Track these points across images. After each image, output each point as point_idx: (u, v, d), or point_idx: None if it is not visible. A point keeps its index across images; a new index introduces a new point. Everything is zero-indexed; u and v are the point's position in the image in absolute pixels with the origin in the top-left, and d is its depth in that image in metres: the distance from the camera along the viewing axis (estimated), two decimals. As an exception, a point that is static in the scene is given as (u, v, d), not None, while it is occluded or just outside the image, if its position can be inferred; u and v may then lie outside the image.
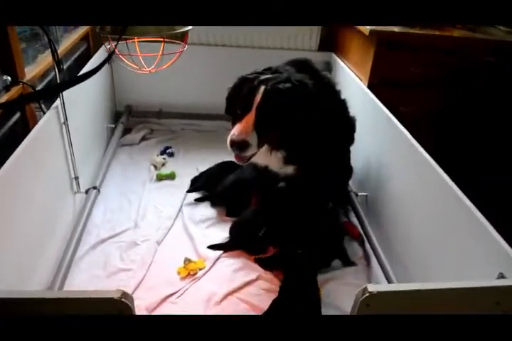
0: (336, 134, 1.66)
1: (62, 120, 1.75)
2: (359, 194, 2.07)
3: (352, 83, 2.23)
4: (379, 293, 0.87)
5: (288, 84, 1.45)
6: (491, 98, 2.25)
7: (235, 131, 1.42)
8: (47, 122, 1.62)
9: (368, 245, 1.88)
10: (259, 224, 1.86)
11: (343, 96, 1.78)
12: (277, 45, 2.69)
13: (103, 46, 2.41)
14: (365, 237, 1.92)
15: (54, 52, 1.61)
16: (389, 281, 1.68)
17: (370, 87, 2.13)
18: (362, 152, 2.07)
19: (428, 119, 2.23)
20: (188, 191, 2.19)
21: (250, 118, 1.41)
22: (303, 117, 1.46)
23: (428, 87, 2.21)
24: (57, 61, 1.63)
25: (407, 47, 2.12)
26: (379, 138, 1.95)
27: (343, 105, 1.70)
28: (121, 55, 1.48)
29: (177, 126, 2.81)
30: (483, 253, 1.22)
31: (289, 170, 1.68)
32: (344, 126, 1.72)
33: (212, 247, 1.84)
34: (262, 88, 1.42)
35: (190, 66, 2.65)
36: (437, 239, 1.47)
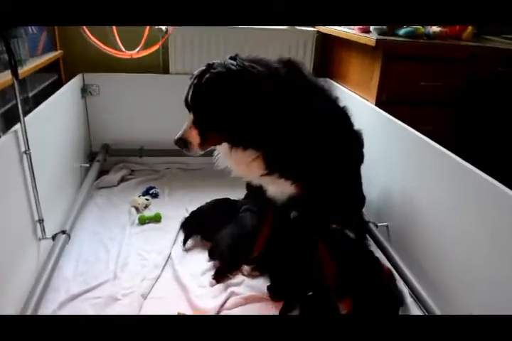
0: (338, 146, 1.44)
1: (23, 148, 1.44)
2: (379, 225, 1.82)
3: (358, 104, 1.98)
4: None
5: (219, 70, 1.27)
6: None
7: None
8: (2, 149, 1.33)
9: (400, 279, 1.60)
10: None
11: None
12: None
13: (77, 76, 2.19)
14: (395, 271, 1.63)
15: (13, 66, 1.34)
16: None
17: (378, 106, 1.90)
18: (377, 179, 1.82)
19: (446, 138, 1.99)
20: (184, 241, 1.83)
21: (190, 116, 1.35)
22: (251, 106, 1.26)
23: (441, 103, 2.00)
24: (16, 75, 1.36)
25: (415, 58, 1.94)
26: (400, 160, 1.72)
27: (344, 113, 1.48)
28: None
29: (160, 165, 2.52)
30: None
31: (286, 188, 1.45)
32: (347, 138, 1.50)
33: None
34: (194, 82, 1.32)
35: (171, 98, 2.38)
36: (484, 264, 1.25)
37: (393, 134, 1.74)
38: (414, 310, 1.47)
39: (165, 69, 2.48)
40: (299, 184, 1.43)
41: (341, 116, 1.48)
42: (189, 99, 1.32)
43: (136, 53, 1.33)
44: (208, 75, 1.27)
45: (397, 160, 1.74)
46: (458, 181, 1.37)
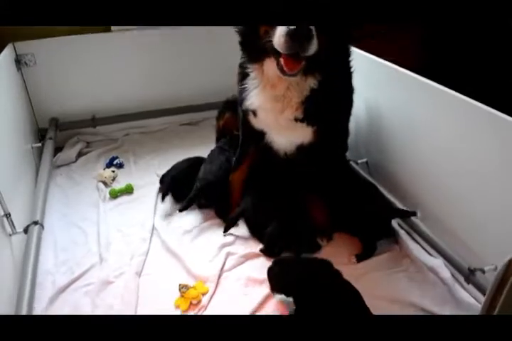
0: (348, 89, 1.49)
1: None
2: (359, 161, 1.81)
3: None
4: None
5: None
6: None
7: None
8: None
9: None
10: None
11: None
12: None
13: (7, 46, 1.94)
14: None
15: None
16: (436, 249, 1.43)
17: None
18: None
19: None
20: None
21: None
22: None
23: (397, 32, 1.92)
24: None
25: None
26: (371, 92, 1.68)
27: None
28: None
29: (118, 132, 2.34)
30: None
31: (307, 134, 1.41)
32: (349, 82, 1.49)
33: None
34: None
35: (117, 58, 2.21)
36: (456, 182, 1.31)
37: (362, 67, 1.66)
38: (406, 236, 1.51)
39: (105, 27, 2.23)
40: (318, 129, 1.40)
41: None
42: None
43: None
44: None
45: (367, 94, 1.68)
46: (430, 102, 1.38)
